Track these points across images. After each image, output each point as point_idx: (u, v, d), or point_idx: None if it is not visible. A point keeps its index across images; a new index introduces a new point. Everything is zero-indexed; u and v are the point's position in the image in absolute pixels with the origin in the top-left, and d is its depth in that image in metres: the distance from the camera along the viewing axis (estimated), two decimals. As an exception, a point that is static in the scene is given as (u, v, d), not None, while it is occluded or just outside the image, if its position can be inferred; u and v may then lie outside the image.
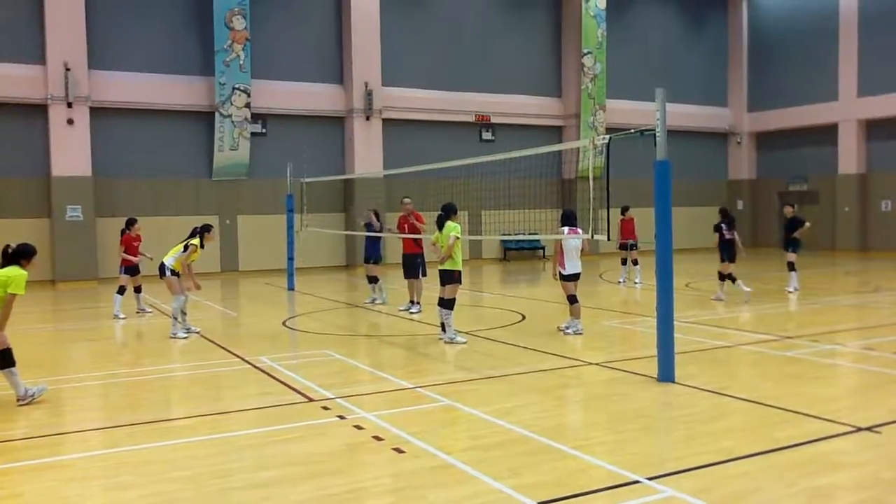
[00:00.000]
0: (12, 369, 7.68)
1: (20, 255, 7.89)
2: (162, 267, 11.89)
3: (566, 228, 11.34)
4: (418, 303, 14.13)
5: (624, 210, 18.45)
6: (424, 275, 14.33)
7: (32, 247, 8.07)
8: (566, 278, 11.31)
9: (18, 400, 7.68)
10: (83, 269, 20.38)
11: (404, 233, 14.25)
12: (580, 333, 11.25)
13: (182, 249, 11.88)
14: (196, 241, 11.99)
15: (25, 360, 10.24)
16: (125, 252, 14.32)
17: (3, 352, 7.65)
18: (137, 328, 13.18)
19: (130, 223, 14.58)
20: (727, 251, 15.03)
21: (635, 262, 18.22)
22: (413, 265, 14.19)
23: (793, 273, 16.05)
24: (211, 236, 12.32)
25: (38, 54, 20.51)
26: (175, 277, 11.87)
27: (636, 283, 17.90)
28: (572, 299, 11.33)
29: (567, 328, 11.44)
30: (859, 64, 27.25)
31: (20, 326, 13.50)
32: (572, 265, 11.28)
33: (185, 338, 11.69)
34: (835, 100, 27.99)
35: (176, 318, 11.85)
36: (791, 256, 16.15)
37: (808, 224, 16.41)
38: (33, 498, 5.21)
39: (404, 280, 14.49)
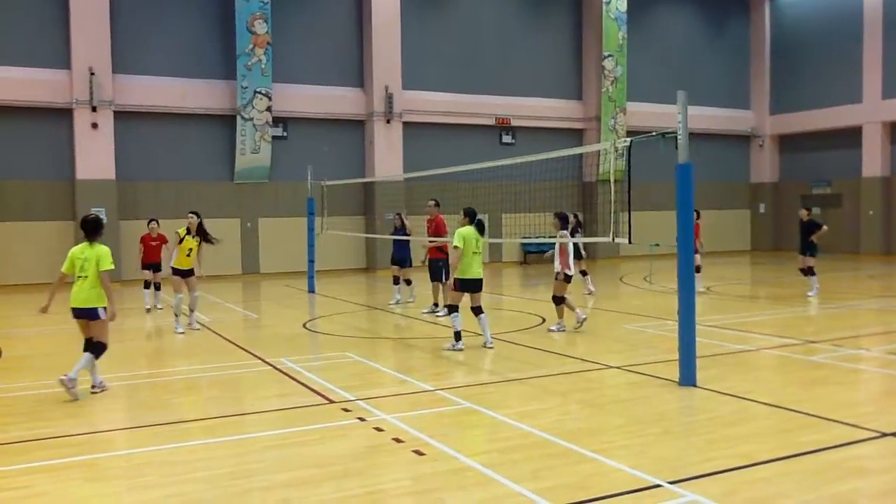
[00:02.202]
0: (95, 360, 8.12)
1: (101, 225, 8.39)
2: (172, 269, 12.73)
3: (565, 231, 11.79)
4: (446, 306, 14.07)
5: (697, 214, 17.21)
6: (447, 278, 14.28)
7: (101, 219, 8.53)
8: (569, 279, 11.77)
9: (65, 379, 7.88)
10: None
11: (429, 235, 14.28)
12: (563, 330, 11.78)
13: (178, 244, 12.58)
14: (180, 231, 12.61)
15: (50, 362, 10.38)
16: (143, 251, 15.29)
17: (102, 345, 8.18)
18: (159, 329, 13.28)
19: (148, 223, 15.51)
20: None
21: (697, 269, 17.07)
22: (436, 269, 14.18)
23: (813, 277, 15.90)
24: (190, 220, 12.68)
25: (64, 59, 20.78)
26: (177, 277, 12.54)
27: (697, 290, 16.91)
28: (562, 300, 11.74)
29: (559, 328, 11.85)
30: (884, 66, 26.96)
31: (44, 327, 13.67)
32: (572, 268, 11.87)
33: (181, 333, 12.31)
34: (859, 102, 27.71)
35: (176, 315, 12.57)
36: (810, 261, 16.00)
37: (825, 227, 16.25)
38: (58, 497, 5.28)
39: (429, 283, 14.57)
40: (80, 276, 8.06)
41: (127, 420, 7.56)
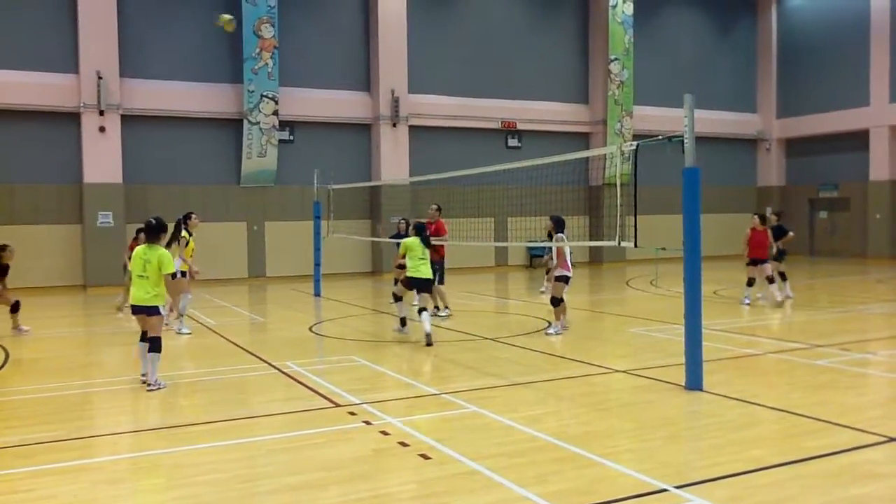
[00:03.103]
0: (159, 356, 8.71)
1: (163, 228, 8.99)
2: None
3: (562, 234, 12.13)
4: (447, 307, 14.28)
5: (763, 218, 15.70)
6: (441, 282, 14.46)
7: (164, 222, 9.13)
8: (568, 280, 12.04)
9: (149, 385, 8.61)
10: (114, 275, 20.53)
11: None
12: (566, 328, 12.18)
13: (177, 245, 12.65)
14: (185, 234, 12.77)
15: (57, 364, 10.42)
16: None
17: (157, 339, 8.70)
18: (166, 333, 13.30)
19: (139, 232, 15.65)
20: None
21: (771, 280, 15.28)
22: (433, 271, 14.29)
23: (785, 282, 16.00)
24: (194, 222, 13.07)
25: (72, 64, 20.87)
26: (183, 278, 12.64)
27: (779, 298, 15.22)
28: (559, 301, 12.00)
29: (561, 329, 12.08)
30: (891, 69, 26.87)
31: (53, 330, 13.72)
32: (571, 269, 12.15)
33: (188, 333, 12.52)
34: (866, 105, 27.62)
35: (182, 315, 12.71)
36: (779, 266, 16.07)
37: (791, 234, 16.29)
38: (66, 500, 5.29)
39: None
40: (140, 276, 8.62)
41: (134, 423, 7.57)
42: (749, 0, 31.42)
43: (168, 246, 12.60)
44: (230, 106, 22.67)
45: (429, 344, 11.10)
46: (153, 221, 8.84)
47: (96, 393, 8.62)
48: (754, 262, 15.24)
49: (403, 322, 12.04)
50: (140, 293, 8.65)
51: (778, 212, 17.05)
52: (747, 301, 15.22)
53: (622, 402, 7.91)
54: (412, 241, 11.88)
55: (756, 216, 15.76)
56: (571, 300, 16.64)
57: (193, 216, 13.18)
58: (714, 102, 29.23)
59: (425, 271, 11.76)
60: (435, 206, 15.04)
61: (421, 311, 11.56)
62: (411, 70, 24.69)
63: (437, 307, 14.32)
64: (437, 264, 14.22)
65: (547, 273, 18.82)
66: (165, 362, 10.46)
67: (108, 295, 19.52)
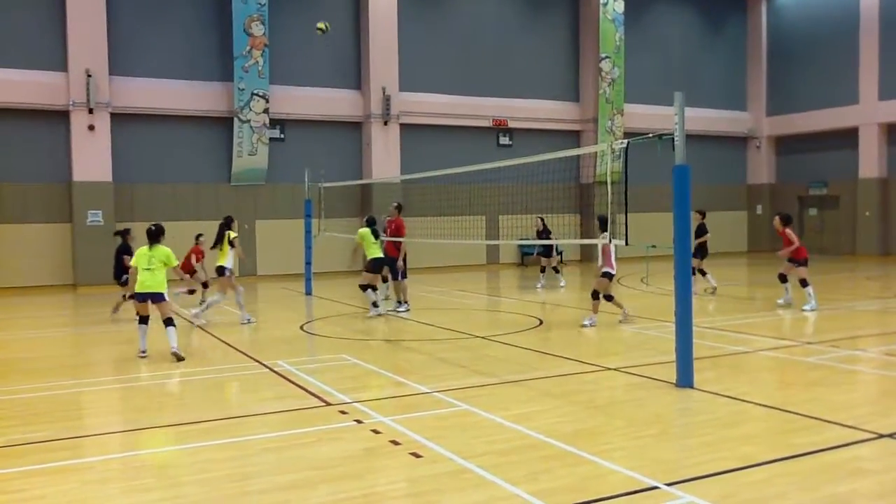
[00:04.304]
0: (174, 328, 10.20)
1: (162, 232, 10.30)
2: (222, 269, 13.69)
3: (606, 233, 12.02)
4: (405, 301, 14.79)
5: (785, 220, 14.26)
6: (405, 276, 14.93)
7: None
8: (612, 277, 12.66)
9: (173, 349, 10.09)
10: (104, 274, 20.30)
11: (389, 235, 14.86)
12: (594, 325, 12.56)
13: (230, 247, 13.66)
14: (235, 234, 13.89)
15: (44, 364, 10.38)
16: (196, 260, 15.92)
17: (171, 319, 10.22)
18: (156, 332, 13.24)
19: (197, 237, 16.18)
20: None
21: (804, 283, 13.96)
22: (394, 267, 14.81)
23: (699, 277, 16.48)
24: (236, 225, 14.32)
25: (61, 62, 20.76)
26: (222, 277, 13.76)
27: (805, 309, 13.87)
28: (598, 295, 12.63)
29: (592, 322, 12.58)
30: (880, 67, 27.01)
31: (43, 330, 13.66)
32: (615, 266, 12.66)
33: (203, 324, 13.38)
34: (855, 103, 27.75)
35: (207, 308, 13.96)
36: (700, 264, 16.67)
37: (708, 234, 16.92)
38: (55, 500, 5.26)
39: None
40: (146, 269, 10.04)
41: (124, 423, 7.54)
42: (739, -2, 31.55)
43: (214, 247, 13.95)
44: (220, 104, 22.60)
45: (375, 305, 13.89)
46: (153, 228, 10.24)
47: (86, 393, 8.58)
48: (791, 261, 14.19)
49: (375, 304, 13.92)
50: (149, 283, 10.02)
51: (702, 212, 17.19)
52: (805, 304, 14.01)
53: (613, 400, 7.92)
54: (364, 231, 14.15)
55: (777, 216, 14.49)
56: (566, 297, 16.72)
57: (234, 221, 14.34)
58: (704, 100, 29.31)
59: (378, 252, 14.12)
60: (395, 204, 15.28)
61: (365, 288, 14.00)
62: (402, 68, 24.66)
63: (399, 301, 14.76)
64: (393, 260, 14.62)
65: (545, 269, 18.91)
66: (156, 363, 10.44)
67: (98, 294, 19.44)
